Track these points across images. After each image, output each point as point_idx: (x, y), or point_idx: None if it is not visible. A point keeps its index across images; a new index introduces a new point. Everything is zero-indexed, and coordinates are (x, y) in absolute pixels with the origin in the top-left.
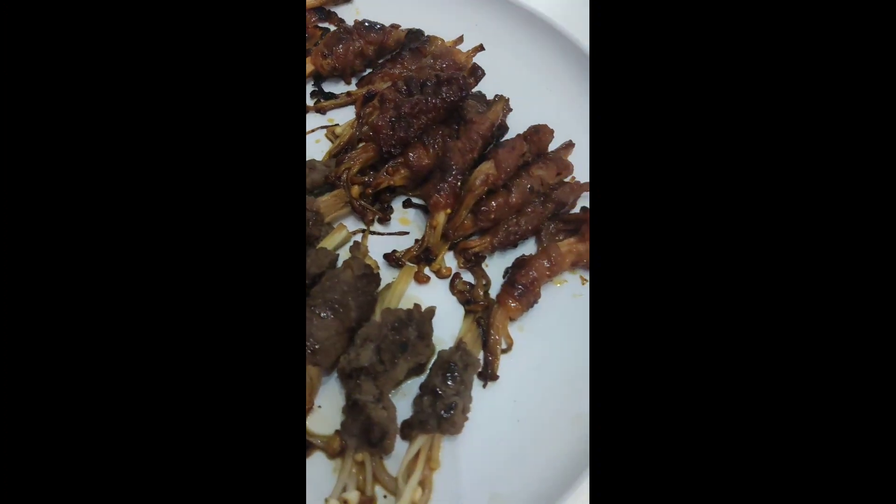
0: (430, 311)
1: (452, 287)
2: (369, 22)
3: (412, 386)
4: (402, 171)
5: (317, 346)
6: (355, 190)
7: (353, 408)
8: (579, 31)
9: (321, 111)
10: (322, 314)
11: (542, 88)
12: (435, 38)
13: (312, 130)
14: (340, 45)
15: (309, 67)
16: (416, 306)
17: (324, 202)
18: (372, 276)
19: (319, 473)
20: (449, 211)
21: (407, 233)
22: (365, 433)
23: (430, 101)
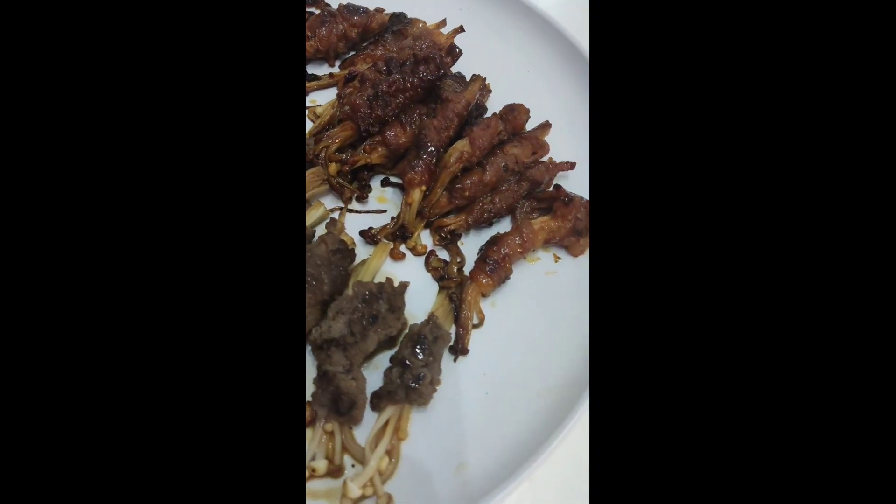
0: (403, 286)
1: (427, 264)
2: (353, 5)
3: (384, 359)
4: (380, 150)
5: None
6: (333, 167)
7: (323, 378)
8: (561, 15)
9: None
10: None
11: (522, 71)
12: (416, 20)
13: None
14: (324, 28)
15: None
16: (388, 280)
17: None
18: (346, 251)
19: None
20: (424, 188)
21: (384, 211)
22: (334, 403)
23: (408, 79)
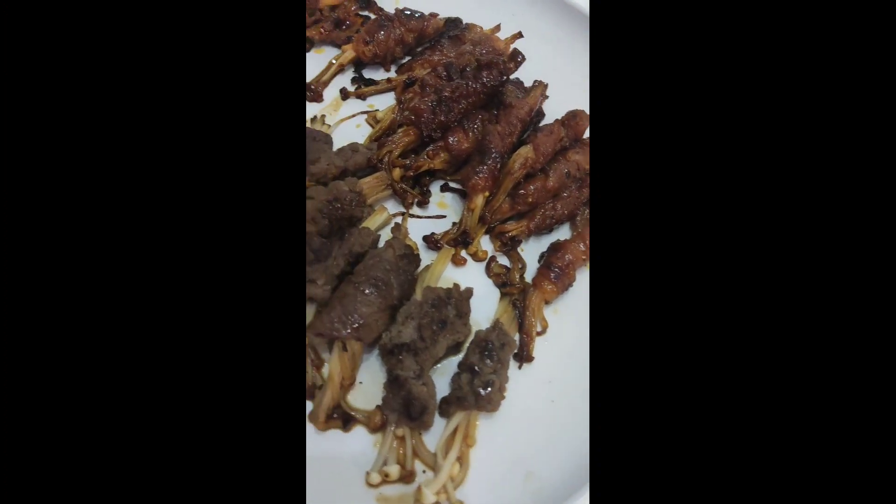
0: (469, 292)
1: (489, 270)
2: (409, 10)
3: (449, 365)
4: (442, 155)
5: (361, 322)
6: (397, 172)
7: (393, 383)
8: None
9: (361, 97)
10: (366, 291)
11: (577, 76)
12: (473, 25)
13: (353, 115)
14: (382, 33)
15: (350, 54)
16: (456, 286)
17: (366, 184)
18: (412, 256)
19: (360, 447)
20: (487, 194)
21: (444, 216)
22: (405, 408)
23: (471, 85)
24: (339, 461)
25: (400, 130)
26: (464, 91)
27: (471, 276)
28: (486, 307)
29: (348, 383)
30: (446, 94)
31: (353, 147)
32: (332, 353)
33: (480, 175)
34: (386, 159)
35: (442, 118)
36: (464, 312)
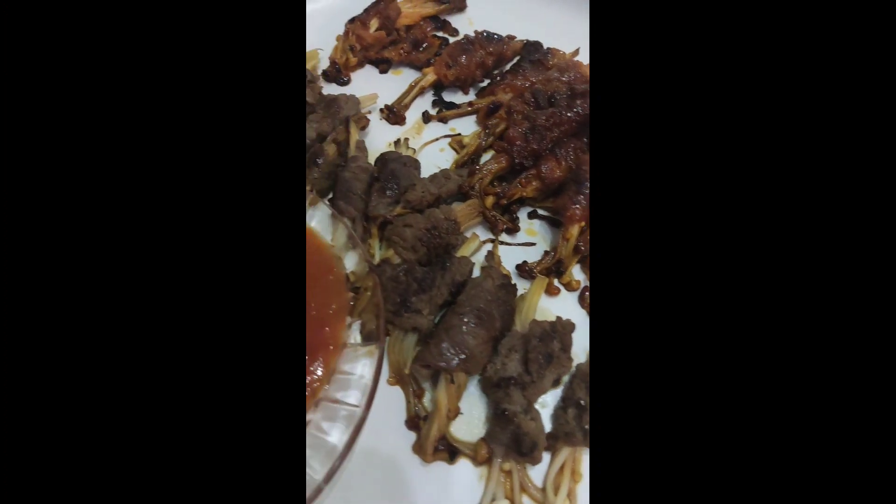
0: (571, 325)
1: (582, 300)
2: (488, 32)
3: (546, 397)
4: (534, 183)
5: (468, 354)
6: (489, 200)
7: (501, 417)
8: None
9: (443, 120)
10: (471, 322)
11: None
12: (556, 50)
13: (436, 139)
14: (464, 56)
15: (432, 77)
16: (559, 318)
17: (460, 211)
18: (510, 286)
19: (466, 480)
20: (583, 224)
21: (534, 244)
22: (515, 443)
23: (564, 114)
24: (446, 494)
25: (491, 157)
26: (557, 119)
27: (562, 306)
28: (579, 338)
29: (453, 415)
30: (540, 121)
31: (446, 174)
32: (438, 385)
33: (578, 206)
34: (477, 186)
35: (534, 146)
36: (567, 346)
